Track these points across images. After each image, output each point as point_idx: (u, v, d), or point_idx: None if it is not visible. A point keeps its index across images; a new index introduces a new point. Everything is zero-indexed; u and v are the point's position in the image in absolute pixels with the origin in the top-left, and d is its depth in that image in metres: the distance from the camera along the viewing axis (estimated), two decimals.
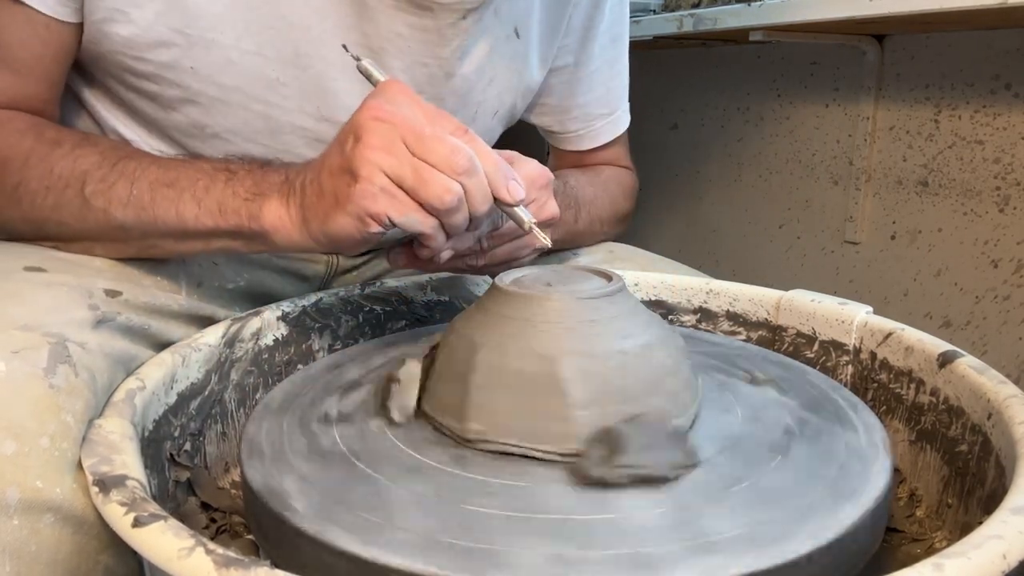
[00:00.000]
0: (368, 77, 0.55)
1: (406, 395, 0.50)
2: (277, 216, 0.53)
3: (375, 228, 0.48)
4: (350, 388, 0.55)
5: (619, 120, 0.89)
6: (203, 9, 0.60)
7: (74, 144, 0.59)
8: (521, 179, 0.53)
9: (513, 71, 0.76)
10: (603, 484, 0.41)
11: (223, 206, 0.55)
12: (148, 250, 0.60)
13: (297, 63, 0.64)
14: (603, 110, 0.87)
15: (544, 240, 0.53)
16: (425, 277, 0.72)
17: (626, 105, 0.90)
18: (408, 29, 0.66)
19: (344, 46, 0.57)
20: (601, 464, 0.42)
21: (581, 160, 0.90)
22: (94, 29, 0.61)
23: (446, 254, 0.52)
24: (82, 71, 0.67)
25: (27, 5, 0.58)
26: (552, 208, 0.57)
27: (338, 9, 0.64)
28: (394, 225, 0.48)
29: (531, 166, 0.56)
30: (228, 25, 0.61)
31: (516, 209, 0.51)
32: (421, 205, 0.48)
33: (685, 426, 0.47)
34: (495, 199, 0.50)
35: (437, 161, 0.47)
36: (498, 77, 0.75)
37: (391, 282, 0.71)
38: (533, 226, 0.51)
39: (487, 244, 0.56)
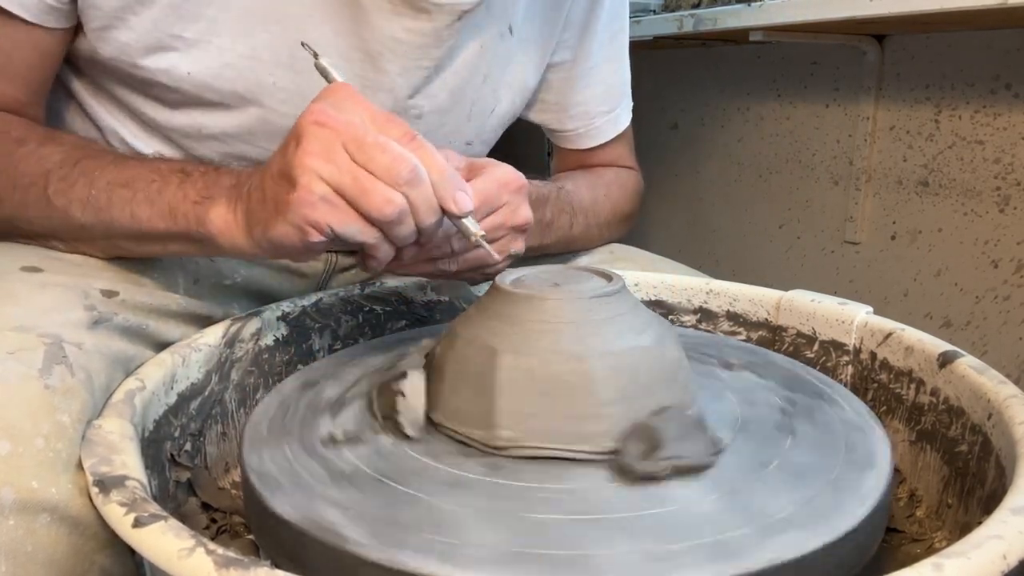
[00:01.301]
0: (324, 75, 0.53)
1: (414, 407, 0.48)
2: (223, 221, 0.52)
3: (316, 237, 0.46)
4: (339, 405, 0.52)
5: (620, 118, 0.89)
6: (199, 13, 0.60)
7: (39, 142, 0.59)
8: (487, 185, 0.52)
9: (507, 68, 0.76)
10: (649, 478, 0.42)
11: (174, 209, 0.53)
12: (113, 250, 0.60)
13: (292, 67, 0.64)
14: (603, 107, 0.87)
15: (494, 255, 0.51)
16: None
17: (628, 103, 0.90)
18: (405, 33, 0.66)
19: (303, 43, 0.55)
20: (643, 459, 0.43)
21: (584, 160, 0.90)
22: (93, 36, 0.61)
23: (409, 260, 0.51)
24: (80, 73, 0.67)
25: (10, 13, 0.58)
26: (525, 213, 0.55)
27: (336, 14, 0.64)
28: (336, 235, 0.46)
29: (502, 170, 0.54)
30: (224, 30, 0.61)
31: (464, 221, 0.48)
32: (362, 215, 0.46)
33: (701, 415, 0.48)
34: (443, 210, 0.48)
35: (378, 170, 0.45)
36: (492, 74, 0.75)
37: (391, 282, 0.71)
38: (480, 240, 0.49)
39: (458, 247, 0.54)
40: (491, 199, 0.53)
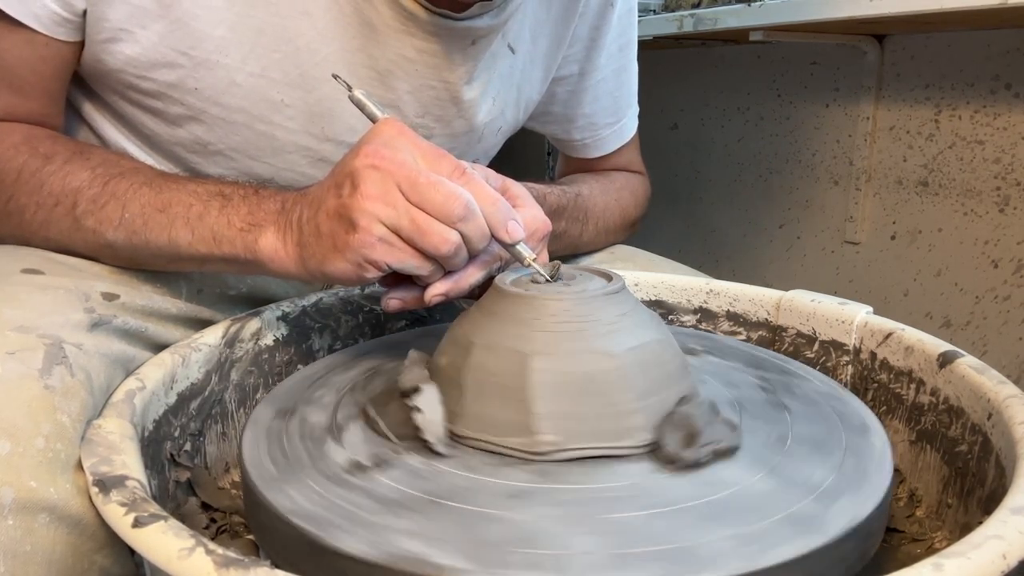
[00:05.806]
0: (360, 108, 0.54)
1: (435, 422, 0.47)
2: (273, 249, 0.53)
3: (373, 273, 0.49)
4: (337, 430, 0.49)
5: (626, 128, 0.89)
6: (207, 32, 0.60)
7: (65, 159, 0.59)
8: (535, 213, 0.53)
9: (512, 86, 0.76)
10: (694, 465, 0.43)
11: (218, 235, 0.54)
12: (137, 265, 0.60)
13: (302, 85, 0.64)
14: (609, 119, 0.87)
15: (546, 276, 0.51)
16: None
17: (634, 111, 0.90)
18: (416, 53, 0.66)
19: (335, 75, 0.55)
20: (685, 447, 0.44)
21: (591, 166, 0.90)
22: (98, 48, 0.60)
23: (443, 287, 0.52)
24: (84, 87, 0.66)
25: (26, 27, 0.58)
26: (543, 261, 0.55)
27: (345, 32, 0.64)
28: (392, 270, 0.49)
29: (532, 212, 0.54)
30: (233, 47, 0.61)
31: (517, 247, 0.50)
32: (419, 252, 0.48)
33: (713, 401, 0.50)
34: (494, 237, 0.50)
35: (433, 209, 0.47)
36: (500, 95, 0.75)
37: None
38: (533, 263, 0.51)
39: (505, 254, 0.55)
40: (539, 227, 0.54)
